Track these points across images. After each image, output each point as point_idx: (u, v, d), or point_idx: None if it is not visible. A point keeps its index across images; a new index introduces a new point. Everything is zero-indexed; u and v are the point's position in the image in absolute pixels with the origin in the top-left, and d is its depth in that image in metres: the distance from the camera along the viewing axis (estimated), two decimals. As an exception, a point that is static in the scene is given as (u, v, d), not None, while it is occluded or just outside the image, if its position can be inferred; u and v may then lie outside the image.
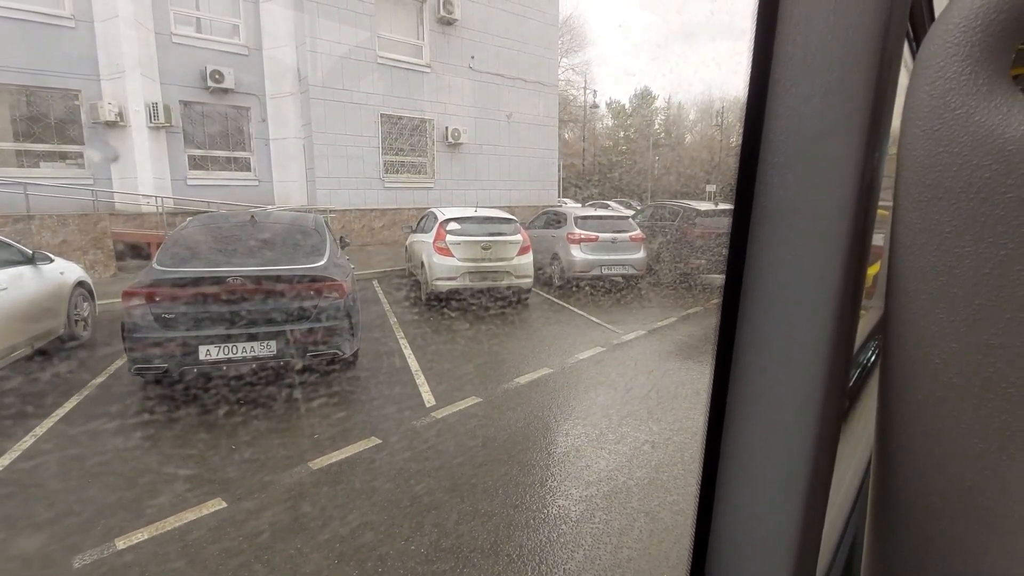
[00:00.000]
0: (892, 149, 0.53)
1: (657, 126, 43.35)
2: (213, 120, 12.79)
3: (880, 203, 0.51)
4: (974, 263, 0.40)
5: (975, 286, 0.40)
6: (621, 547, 2.69)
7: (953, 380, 0.42)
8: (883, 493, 0.50)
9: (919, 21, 0.82)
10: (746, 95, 0.50)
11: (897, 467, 0.48)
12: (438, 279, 7.41)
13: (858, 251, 0.47)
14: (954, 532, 0.44)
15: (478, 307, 7.75)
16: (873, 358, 1.45)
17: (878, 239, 0.65)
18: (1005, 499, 0.40)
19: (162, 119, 11.46)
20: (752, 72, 0.49)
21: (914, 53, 0.85)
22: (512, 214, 8.44)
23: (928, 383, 0.44)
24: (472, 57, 15.18)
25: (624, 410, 4.31)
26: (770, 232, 0.51)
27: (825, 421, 0.51)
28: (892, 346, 0.47)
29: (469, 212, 8.09)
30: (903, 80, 0.52)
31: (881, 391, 0.49)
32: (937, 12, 0.91)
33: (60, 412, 4.08)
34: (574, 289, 8.95)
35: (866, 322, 1.23)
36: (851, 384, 0.92)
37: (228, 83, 12.24)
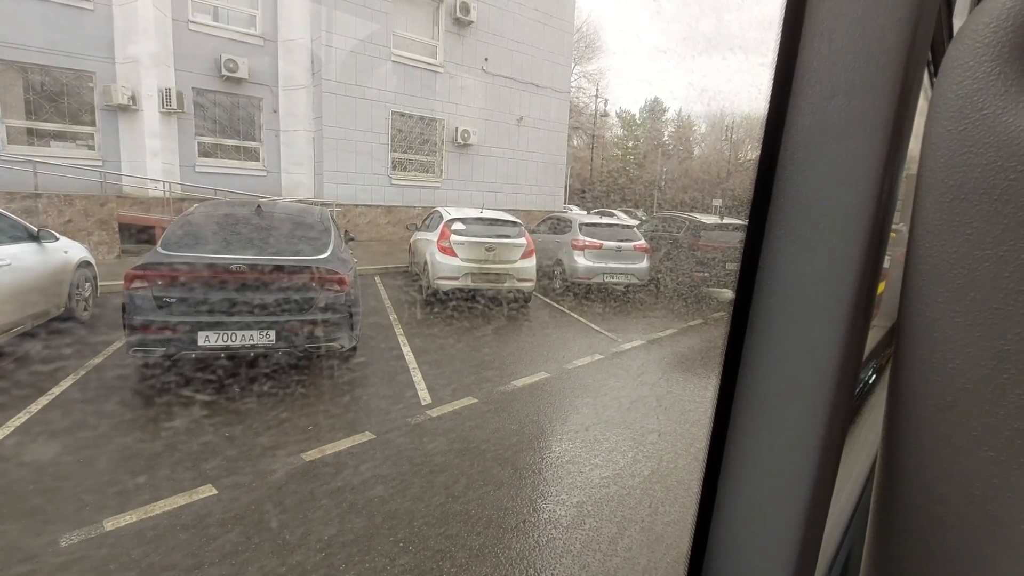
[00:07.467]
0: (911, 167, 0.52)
1: (667, 137, 43.43)
2: (225, 109, 12.84)
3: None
4: (993, 266, 0.39)
5: (993, 289, 0.39)
6: (611, 555, 2.67)
7: (966, 385, 0.41)
8: (886, 499, 0.49)
9: (941, 26, 0.82)
10: (770, 90, 0.49)
11: (902, 473, 0.47)
12: (440, 278, 7.40)
13: (874, 252, 0.46)
14: (958, 541, 0.43)
15: (479, 308, 7.74)
16: (875, 377, 1.43)
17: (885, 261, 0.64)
18: (1015, 510, 0.39)
19: (174, 105, 11.51)
20: (777, 68, 0.49)
21: (938, 57, 0.84)
22: (517, 218, 8.44)
23: (940, 387, 0.43)
24: (486, 59, 15.23)
25: (620, 416, 4.29)
26: (787, 229, 0.50)
27: (831, 426, 0.51)
28: (905, 347, 0.46)
29: (475, 213, 8.08)
30: (925, 82, 0.51)
31: (891, 393, 0.48)
32: (958, 18, 0.90)
33: (56, 390, 4.07)
34: (576, 295, 8.94)
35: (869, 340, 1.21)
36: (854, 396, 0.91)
37: (242, 72, 12.29)
